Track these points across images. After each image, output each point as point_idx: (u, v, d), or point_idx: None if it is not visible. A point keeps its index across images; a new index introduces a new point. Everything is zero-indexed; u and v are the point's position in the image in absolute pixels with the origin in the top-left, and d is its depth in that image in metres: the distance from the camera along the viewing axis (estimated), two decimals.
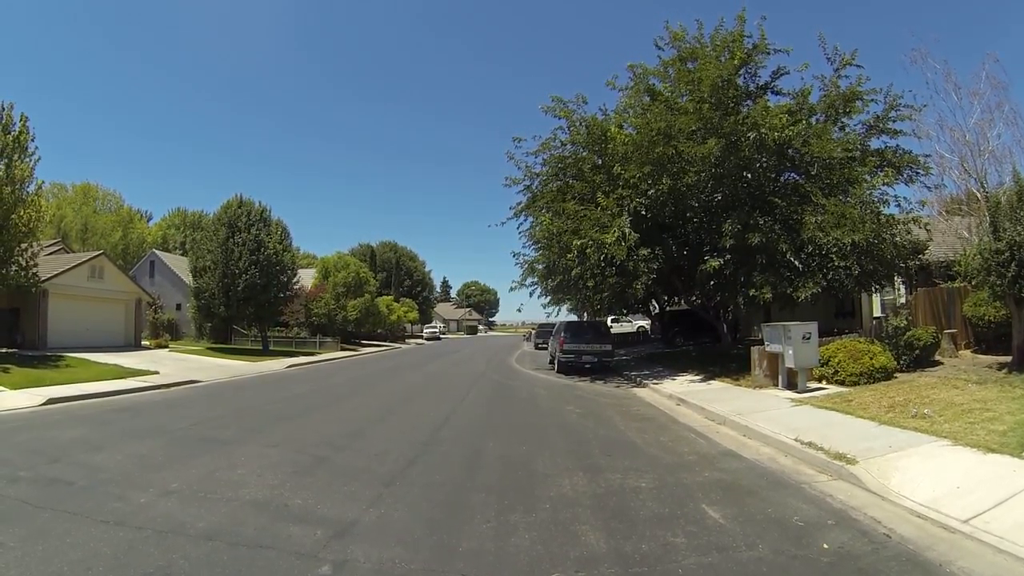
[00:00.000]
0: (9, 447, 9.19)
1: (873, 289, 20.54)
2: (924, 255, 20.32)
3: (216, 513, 5.87)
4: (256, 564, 4.63)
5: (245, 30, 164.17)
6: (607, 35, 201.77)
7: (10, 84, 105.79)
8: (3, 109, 22.50)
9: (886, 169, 18.35)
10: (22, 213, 22.56)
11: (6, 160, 22.10)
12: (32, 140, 23.13)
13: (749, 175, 18.34)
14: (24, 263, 23.86)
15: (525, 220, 23.91)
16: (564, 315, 32.04)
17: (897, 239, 18.24)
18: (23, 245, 23.47)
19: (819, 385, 14.25)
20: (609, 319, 41.15)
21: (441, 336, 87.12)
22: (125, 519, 5.64)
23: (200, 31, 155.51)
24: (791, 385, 13.97)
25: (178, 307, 47.84)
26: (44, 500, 6.28)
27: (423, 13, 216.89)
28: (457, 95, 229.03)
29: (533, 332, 53.25)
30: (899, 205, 19.06)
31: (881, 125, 19.68)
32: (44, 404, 14.02)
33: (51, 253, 34.24)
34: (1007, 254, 13.08)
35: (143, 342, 36.15)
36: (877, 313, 22.95)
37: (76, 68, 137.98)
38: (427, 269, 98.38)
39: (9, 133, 22.35)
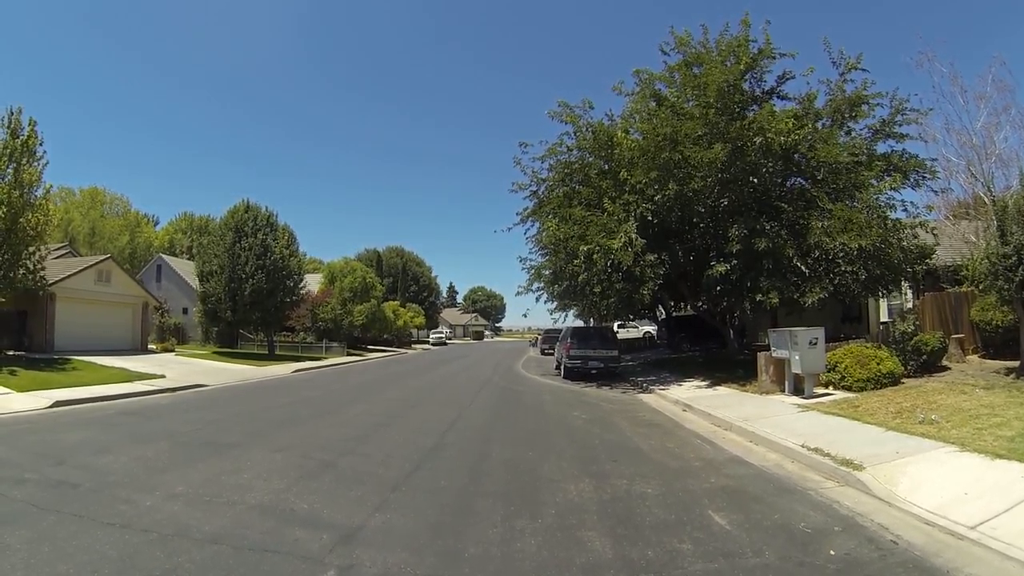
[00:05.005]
0: (16, 449, 9.23)
1: (880, 294, 20.47)
2: (931, 260, 20.24)
3: (222, 517, 5.88)
4: (262, 568, 4.63)
5: (252, 35, 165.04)
6: (613, 40, 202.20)
7: (16, 86, 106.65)
8: (12, 114, 22.62)
9: (893, 174, 18.29)
10: (30, 217, 22.68)
11: (15, 164, 22.20)
12: (40, 144, 23.25)
13: (755, 180, 18.29)
14: (32, 266, 24.02)
15: (532, 225, 23.91)
16: (570, 321, 31.96)
17: (904, 244, 18.16)
18: (31, 249, 23.59)
19: (826, 391, 14.21)
20: (615, 325, 41.11)
21: (447, 341, 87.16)
22: (131, 522, 5.65)
23: (206, 35, 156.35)
24: (798, 391, 13.92)
25: (184, 311, 47.97)
26: (50, 502, 6.30)
27: (429, 18, 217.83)
28: (463, 100, 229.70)
29: (539, 338, 53.16)
30: (906, 209, 19.04)
31: (887, 129, 19.59)
32: (51, 407, 14.08)
33: (58, 257, 34.39)
34: (1014, 258, 13.06)
35: (149, 346, 36.26)
36: (884, 318, 22.88)
37: (82, 71, 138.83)
38: (433, 274, 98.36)
39: (18, 137, 22.47)
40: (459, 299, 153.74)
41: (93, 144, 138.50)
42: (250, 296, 33.57)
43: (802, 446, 8.66)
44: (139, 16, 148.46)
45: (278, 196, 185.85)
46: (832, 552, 5.00)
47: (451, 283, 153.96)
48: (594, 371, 23.05)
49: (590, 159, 21.77)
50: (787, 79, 20.11)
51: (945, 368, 16.13)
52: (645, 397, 17.21)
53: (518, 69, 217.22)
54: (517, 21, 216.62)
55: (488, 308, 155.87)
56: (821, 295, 16.66)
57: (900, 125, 19.56)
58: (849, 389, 13.98)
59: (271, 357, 36.19)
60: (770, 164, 17.87)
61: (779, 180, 19.05)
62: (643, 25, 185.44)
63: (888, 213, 18.08)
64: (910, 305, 21.30)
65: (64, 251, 39.14)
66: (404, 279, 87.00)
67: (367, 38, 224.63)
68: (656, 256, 18.10)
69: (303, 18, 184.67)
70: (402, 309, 66.32)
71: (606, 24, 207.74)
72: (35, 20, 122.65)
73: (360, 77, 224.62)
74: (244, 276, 33.51)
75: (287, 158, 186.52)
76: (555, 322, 27.66)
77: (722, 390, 16.43)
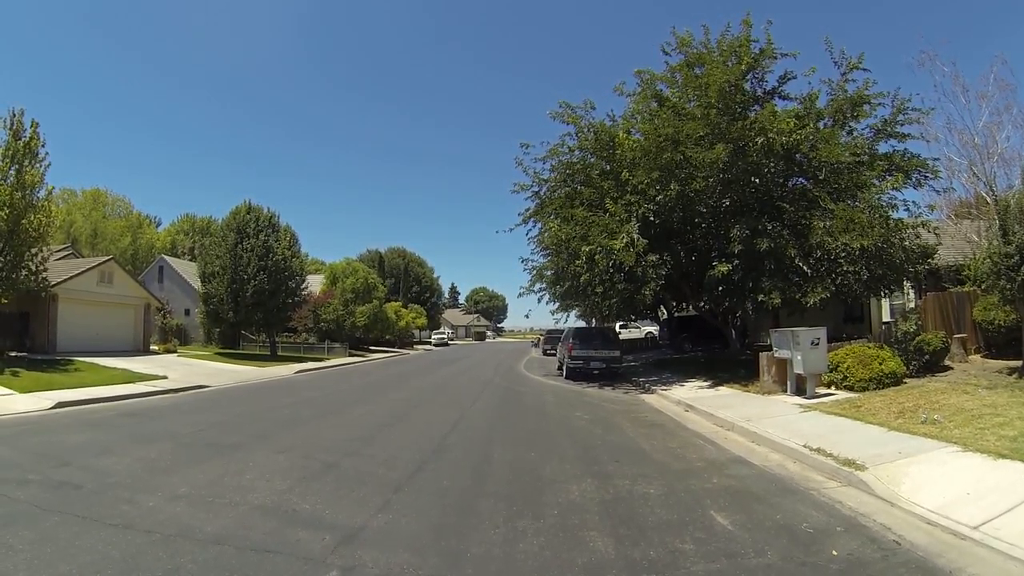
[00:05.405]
0: (18, 450, 9.25)
1: (882, 294, 20.45)
2: (933, 259, 20.22)
3: (224, 517, 5.89)
4: (264, 568, 4.63)
5: (252, 35, 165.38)
6: (614, 41, 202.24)
7: (16, 86, 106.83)
8: (14, 115, 22.63)
9: (895, 173, 18.24)
10: (32, 218, 22.69)
11: (17, 166, 22.22)
12: (43, 146, 23.25)
13: (757, 180, 18.30)
14: (34, 268, 24.03)
15: (534, 226, 23.90)
16: (572, 321, 32.01)
17: (906, 243, 18.14)
18: (33, 250, 23.61)
19: (828, 391, 14.19)
20: (617, 325, 41.03)
21: (449, 342, 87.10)
22: (133, 523, 5.67)
23: (206, 35, 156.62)
24: (800, 391, 13.90)
25: (187, 312, 48.05)
26: (53, 503, 6.32)
27: (429, 18, 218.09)
28: (464, 101, 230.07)
29: (541, 338, 53.11)
30: (908, 209, 19.01)
31: (889, 129, 19.55)
32: (53, 408, 14.10)
33: (61, 258, 34.42)
34: (1017, 258, 13.05)
35: (152, 347, 36.30)
36: (886, 318, 22.87)
37: (82, 71, 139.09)
38: (435, 275, 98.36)
39: (20, 139, 22.48)
40: (461, 300, 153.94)
41: (93, 144, 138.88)
42: (252, 297, 33.58)
43: (804, 446, 8.65)
44: (139, 16, 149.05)
45: (278, 196, 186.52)
46: (835, 552, 5.00)
47: (453, 284, 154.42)
48: (596, 371, 23.06)
49: (592, 160, 21.75)
50: (788, 79, 20.09)
51: (947, 368, 16.11)
52: (647, 397, 17.20)
53: (518, 69, 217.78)
54: (517, 21, 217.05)
55: (490, 309, 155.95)
56: (823, 295, 16.64)
57: (902, 125, 19.52)
58: (851, 389, 13.97)
59: (273, 358, 36.23)
60: (772, 164, 17.87)
61: (781, 180, 19.03)
62: (643, 25, 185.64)
63: (890, 213, 18.05)
64: (912, 305, 21.28)
65: (66, 252, 39.17)
66: (406, 280, 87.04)
67: (367, 38, 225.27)
68: (658, 256, 18.11)
69: (303, 18, 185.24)
70: (404, 310, 66.33)
71: (606, 24, 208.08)
72: (35, 20, 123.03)
73: (360, 77, 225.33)
74: (246, 277, 33.52)
75: (287, 158, 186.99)
76: (557, 323, 27.66)
77: (724, 390, 16.41)
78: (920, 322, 16.90)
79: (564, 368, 24.56)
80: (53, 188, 25.75)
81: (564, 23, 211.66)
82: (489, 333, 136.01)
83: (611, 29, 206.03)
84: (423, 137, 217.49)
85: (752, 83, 19.49)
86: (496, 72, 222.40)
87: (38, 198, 23.35)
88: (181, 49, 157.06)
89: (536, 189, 23.29)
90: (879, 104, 19.32)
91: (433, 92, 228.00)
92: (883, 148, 19.79)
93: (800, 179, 19.65)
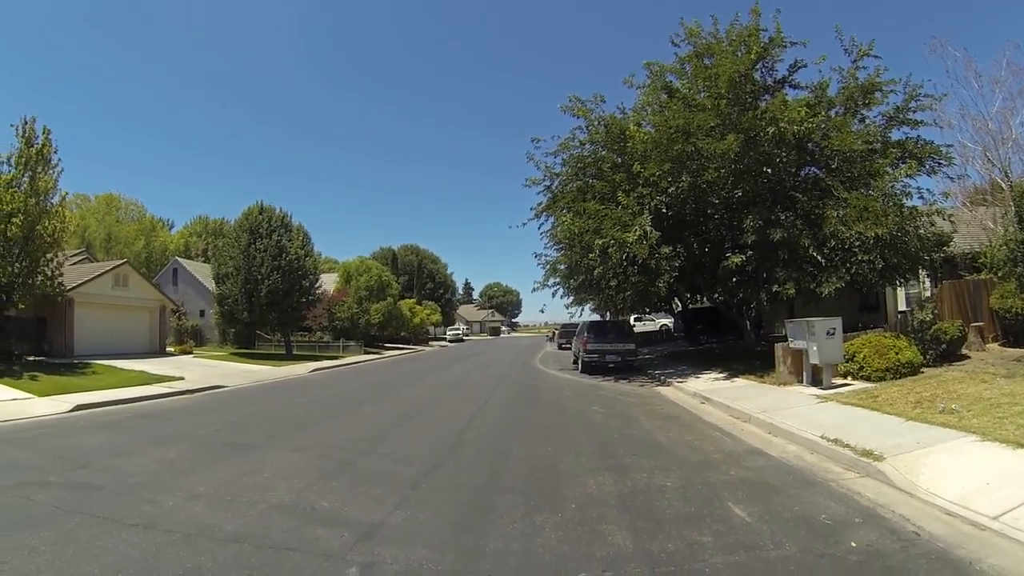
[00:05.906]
0: (38, 453, 9.36)
1: (897, 283, 20.25)
2: (949, 247, 20.00)
3: (243, 516, 5.93)
4: (284, 566, 4.67)
5: (252, 35, 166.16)
6: (614, 40, 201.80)
7: (16, 86, 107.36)
8: (26, 123, 22.87)
9: (908, 161, 18.04)
10: (47, 224, 22.93)
11: (30, 173, 22.48)
12: (55, 152, 23.51)
13: (769, 170, 18.16)
14: (50, 273, 24.27)
15: (546, 220, 23.86)
16: (587, 315, 31.98)
17: (921, 231, 17.97)
18: (48, 255, 23.87)
19: (844, 381, 14.09)
20: (632, 318, 40.94)
21: (464, 338, 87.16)
22: (153, 523, 5.72)
23: (206, 35, 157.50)
24: (816, 381, 13.83)
25: (202, 313, 48.29)
26: (73, 504, 6.39)
27: (429, 18, 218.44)
28: (474, 99, 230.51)
29: (556, 332, 53.02)
30: (922, 197, 18.75)
31: (901, 116, 19.31)
32: (71, 411, 14.24)
33: (76, 263, 34.75)
34: None
35: (168, 348, 36.58)
36: (902, 307, 22.66)
37: (82, 71, 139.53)
38: (449, 271, 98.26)
39: (32, 146, 22.72)
40: (475, 295, 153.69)
41: (93, 144, 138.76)
42: (266, 297, 33.77)
43: (821, 437, 8.60)
44: (139, 16, 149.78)
45: (279, 196, 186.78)
46: (853, 544, 4.97)
47: (467, 279, 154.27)
48: (611, 365, 23.01)
49: (603, 153, 21.71)
50: (799, 68, 19.94)
51: (965, 357, 15.95)
52: (663, 390, 17.15)
53: (518, 69, 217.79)
54: (517, 21, 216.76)
55: (504, 304, 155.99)
56: (838, 285, 16.52)
57: (914, 112, 19.27)
58: (868, 379, 13.86)
59: (289, 357, 36.39)
60: (784, 154, 17.73)
61: (793, 170, 18.89)
62: (644, 25, 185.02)
63: (904, 201, 17.84)
64: (928, 294, 21.08)
65: (81, 257, 39.50)
66: (420, 277, 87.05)
67: (367, 38, 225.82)
68: (671, 248, 18.04)
69: (303, 18, 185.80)
70: (418, 307, 66.39)
71: (608, 24, 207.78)
72: (35, 20, 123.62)
73: (360, 77, 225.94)
74: (260, 277, 33.71)
75: (287, 158, 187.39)
76: (571, 316, 27.62)
77: (740, 382, 16.34)
78: (936, 311, 16.74)
79: (579, 362, 24.54)
80: (67, 193, 26.08)
81: (565, 23, 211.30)
82: (504, 328, 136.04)
83: (612, 29, 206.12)
84: (423, 137, 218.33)
85: (762, 72, 19.37)
86: (496, 72, 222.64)
87: (52, 204, 23.65)
88: (181, 49, 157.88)
89: (548, 183, 23.29)
90: (891, 91, 19.11)
91: (433, 92, 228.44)
92: (896, 135, 19.61)
93: (812, 168, 19.51)
